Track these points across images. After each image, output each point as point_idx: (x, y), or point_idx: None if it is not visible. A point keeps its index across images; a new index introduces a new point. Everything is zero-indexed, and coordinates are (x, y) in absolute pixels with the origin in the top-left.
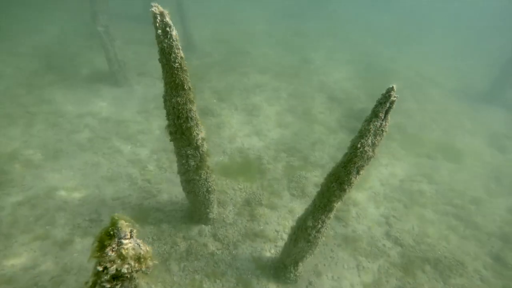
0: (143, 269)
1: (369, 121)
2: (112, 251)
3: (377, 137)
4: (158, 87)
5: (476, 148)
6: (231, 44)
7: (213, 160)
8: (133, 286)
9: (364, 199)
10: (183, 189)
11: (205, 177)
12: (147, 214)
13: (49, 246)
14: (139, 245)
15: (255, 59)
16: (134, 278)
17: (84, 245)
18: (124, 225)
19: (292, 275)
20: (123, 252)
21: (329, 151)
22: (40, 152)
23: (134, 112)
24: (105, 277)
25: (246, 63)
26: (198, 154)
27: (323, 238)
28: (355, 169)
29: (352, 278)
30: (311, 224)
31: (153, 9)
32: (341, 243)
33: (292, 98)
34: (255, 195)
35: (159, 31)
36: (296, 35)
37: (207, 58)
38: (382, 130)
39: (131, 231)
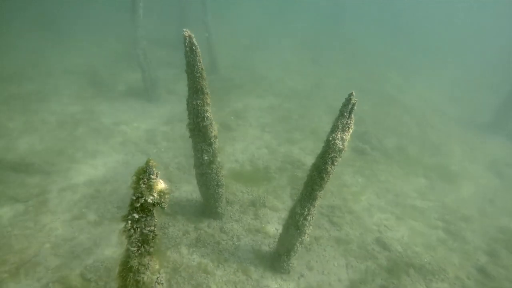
0: (162, 202)
1: (337, 119)
2: (143, 183)
3: (345, 132)
4: (183, 104)
5: (474, 172)
6: (250, 69)
7: (226, 166)
8: (153, 224)
9: (359, 208)
10: (197, 183)
11: (216, 171)
12: None
13: (83, 224)
14: (162, 183)
15: (271, 83)
16: (154, 217)
17: (111, 227)
18: (154, 166)
19: (285, 264)
20: (151, 184)
21: None
22: (81, 151)
23: (161, 123)
24: (137, 205)
25: (263, 87)
26: (211, 149)
27: (310, 227)
28: (330, 159)
29: (340, 274)
30: (299, 211)
31: (184, 33)
32: (334, 244)
33: (302, 119)
34: (260, 198)
35: (187, 48)
36: (311, 63)
37: (228, 81)
38: (348, 127)
39: (157, 173)
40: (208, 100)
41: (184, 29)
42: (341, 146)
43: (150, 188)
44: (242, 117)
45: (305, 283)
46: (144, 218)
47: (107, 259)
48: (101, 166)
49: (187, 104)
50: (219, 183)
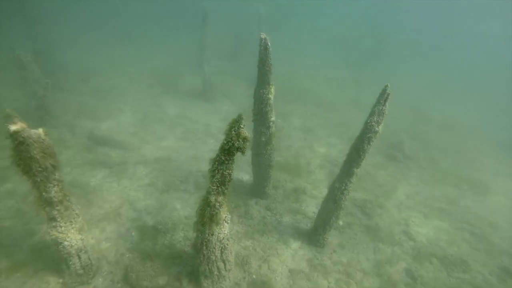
0: (244, 148)
1: (374, 106)
2: (234, 131)
3: (380, 117)
4: (236, 105)
5: (507, 188)
6: (295, 82)
7: None
8: (231, 168)
9: (389, 205)
10: (252, 162)
11: (269, 152)
12: None
13: (153, 190)
14: (246, 132)
15: (314, 95)
16: (233, 162)
17: (175, 196)
18: (243, 118)
19: (320, 238)
20: (240, 132)
21: (366, 168)
22: (151, 135)
23: (217, 119)
24: (226, 147)
25: (306, 97)
26: (268, 132)
27: (345, 202)
28: (366, 139)
29: (368, 255)
30: (337, 186)
31: (261, 35)
32: (364, 230)
33: (341, 127)
34: (301, 186)
35: (262, 47)
36: (352, 81)
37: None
38: (383, 113)
39: (244, 124)
40: (272, 90)
41: (261, 32)
42: (376, 129)
43: (238, 135)
44: (287, 120)
45: (337, 258)
46: (227, 161)
47: (173, 217)
48: (167, 148)
49: (255, 92)
50: (270, 163)
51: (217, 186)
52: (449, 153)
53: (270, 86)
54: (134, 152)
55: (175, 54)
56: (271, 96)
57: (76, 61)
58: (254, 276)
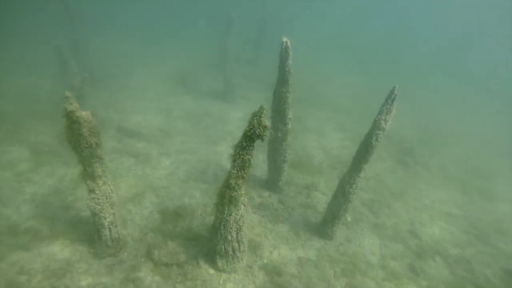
0: (263, 135)
1: (383, 105)
2: (256, 120)
3: (387, 115)
4: (253, 107)
5: None
6: (312, 88)
7: None
8: (251, 154)
9: (397, 206)
10: (267, 157)
11: (285, 148)
12: None
13: (175, 179)
14: (267, 121)
15: (329, 101)
16: (253, 148)
17: (195, 186)
18: (266, 109)
19: (329, 231)
20: (261, 120)
21: (376, 171)
22: (173, 130)
23: (235, 119)
24: (248, 134)
25: (322, 103)
26: (285, 129)
27: (354, 196)
28: (374, 136)
29: (373, 249)
30: (347, 179)
31: (282, 38)
32: (371, 227)
33: (354, 131)
34: (313, 183)
35: (283, 50)
36: (367, 90)
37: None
38: (390, 111)
39: (266, 115)
40: (291, 89)
41: (283, 36)
42: (384, 126)
43: (259, 123)
44: (303, 123)
45: (343, 250)
46: (248, 147)
47: (192, 204)
48: (188, 142)
49: (274, 91)
50: (285, 158)
51: (238, 170)
52: (460, 161)
53: (289, 85)
54: (157, 144)
55: (198, 56)
56: (290, 95)
57: (103, 59)
58: (265, 261)
